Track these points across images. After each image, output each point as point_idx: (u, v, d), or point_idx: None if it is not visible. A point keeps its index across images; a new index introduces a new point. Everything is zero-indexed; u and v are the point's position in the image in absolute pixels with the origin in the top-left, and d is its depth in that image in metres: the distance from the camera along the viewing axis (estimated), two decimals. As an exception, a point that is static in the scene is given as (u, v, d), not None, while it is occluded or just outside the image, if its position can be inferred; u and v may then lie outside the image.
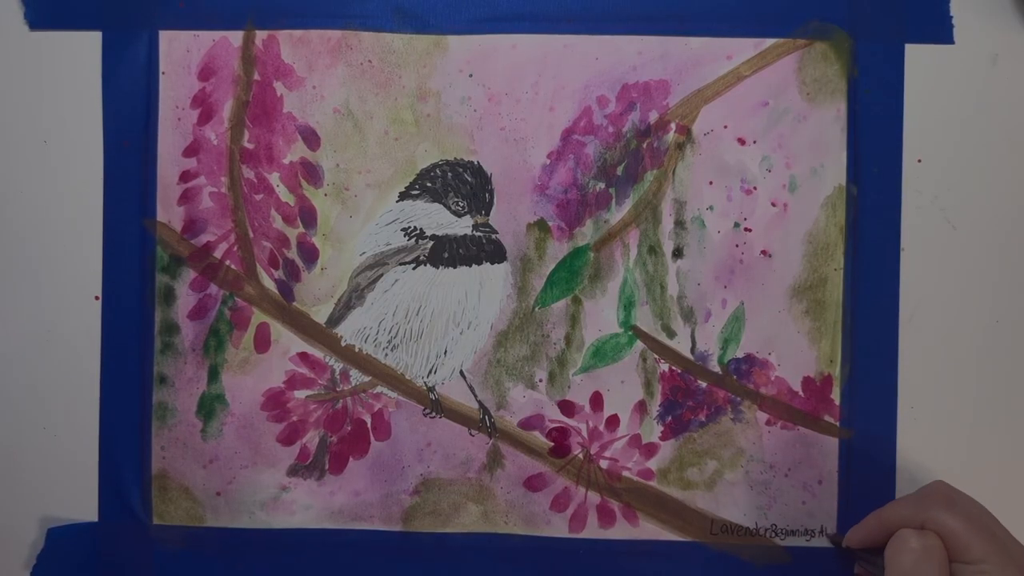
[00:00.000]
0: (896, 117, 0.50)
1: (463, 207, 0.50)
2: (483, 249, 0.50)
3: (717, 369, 0.50)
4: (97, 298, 0.50)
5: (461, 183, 0.50)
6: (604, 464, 0.51)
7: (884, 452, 0.50)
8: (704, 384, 0.50)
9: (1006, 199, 0.50)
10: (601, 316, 0.50)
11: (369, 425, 0.51)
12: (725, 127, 0.50)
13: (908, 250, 0.50)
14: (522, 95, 0.50)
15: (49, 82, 0.50)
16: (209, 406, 0.50)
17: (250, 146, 0.50)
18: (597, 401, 0.50)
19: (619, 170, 0.50)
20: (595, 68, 0.50)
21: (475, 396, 0.51)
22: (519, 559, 0.51)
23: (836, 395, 0.50)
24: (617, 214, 0.50)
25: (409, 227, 0.50)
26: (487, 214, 0.50)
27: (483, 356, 0.50)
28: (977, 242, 0.50)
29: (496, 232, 0.50)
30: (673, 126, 0.50)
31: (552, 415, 0.51)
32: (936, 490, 0.43)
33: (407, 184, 0.50)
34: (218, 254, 0.50)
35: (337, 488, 0.51)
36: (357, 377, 0.51)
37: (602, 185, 0.50)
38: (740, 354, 0.50)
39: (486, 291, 0.50)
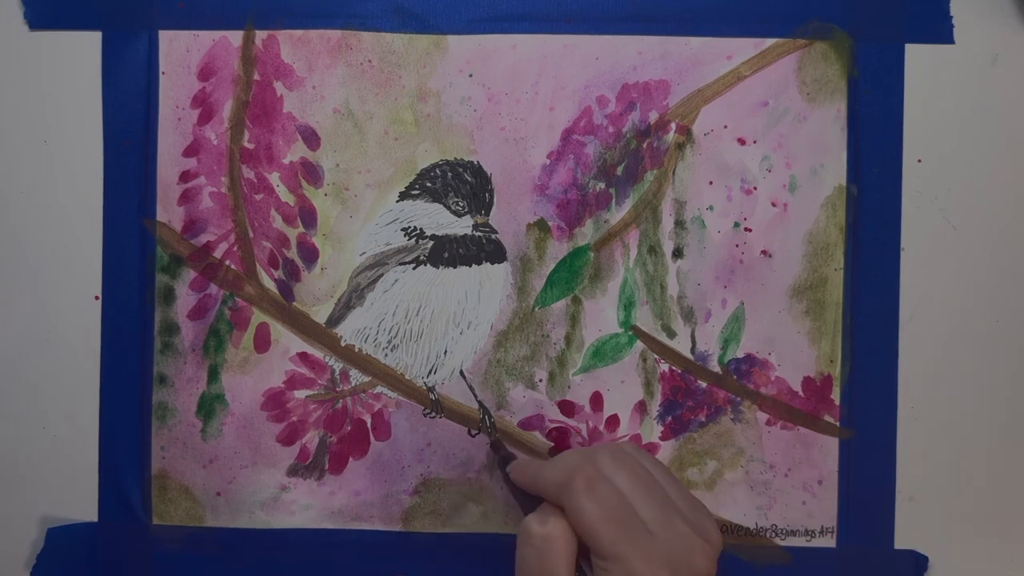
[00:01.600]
0: (896, 117, 0.50)
1: (463, 207, 0.50)
2: (483, 249, 0.50)
3: (717, 369, 0.50)
4: (97, 298, 0.50)
5: (461, 183, 0.50)
6: (604, 464, 0.51)
7: (884, 452, 0.50)
8: (704, 384, 0.50)
9: (1006, 199, 0.50)
10: (601, 316, 0.50)
11: (369, 425, 0.51)
12: (725, 127, 0.50)
13: (908, 250, 0.50)
14: (522, 95, 0.50)
15: (49, 82, 0.50)
16: (209, 406, 0.50)
17: (250, 146, 0.50)
18: (597, 401, 0.50)
19: (619, 170, 0.50)
20: (595, 68, 0.50)
21: (475, 396, 0.51)
22: (519, 559, 0.50)
23: (836, 395, 0.50)
24: (617, 214, 0.50)
25: (409, 227, 0.50)
26: (487, 214, 0.50)
27: (483, 356, 0.50)
28: (977, 242, 0.50)
29: (496, 232, 0.50)
30: (673, 126, 0.50)
31: (552, 415, 0.51)
32: (578, 468, 0.38)
33: (407, 184, 0.50)
34: (218, 254, 0.50)
35: (337, 488, 0.51)
36: (357, 377, 0.51)
37: (602, 185, 0.50)
38: (740, 354, 0.50)
39: (486, 291, 0.50)
